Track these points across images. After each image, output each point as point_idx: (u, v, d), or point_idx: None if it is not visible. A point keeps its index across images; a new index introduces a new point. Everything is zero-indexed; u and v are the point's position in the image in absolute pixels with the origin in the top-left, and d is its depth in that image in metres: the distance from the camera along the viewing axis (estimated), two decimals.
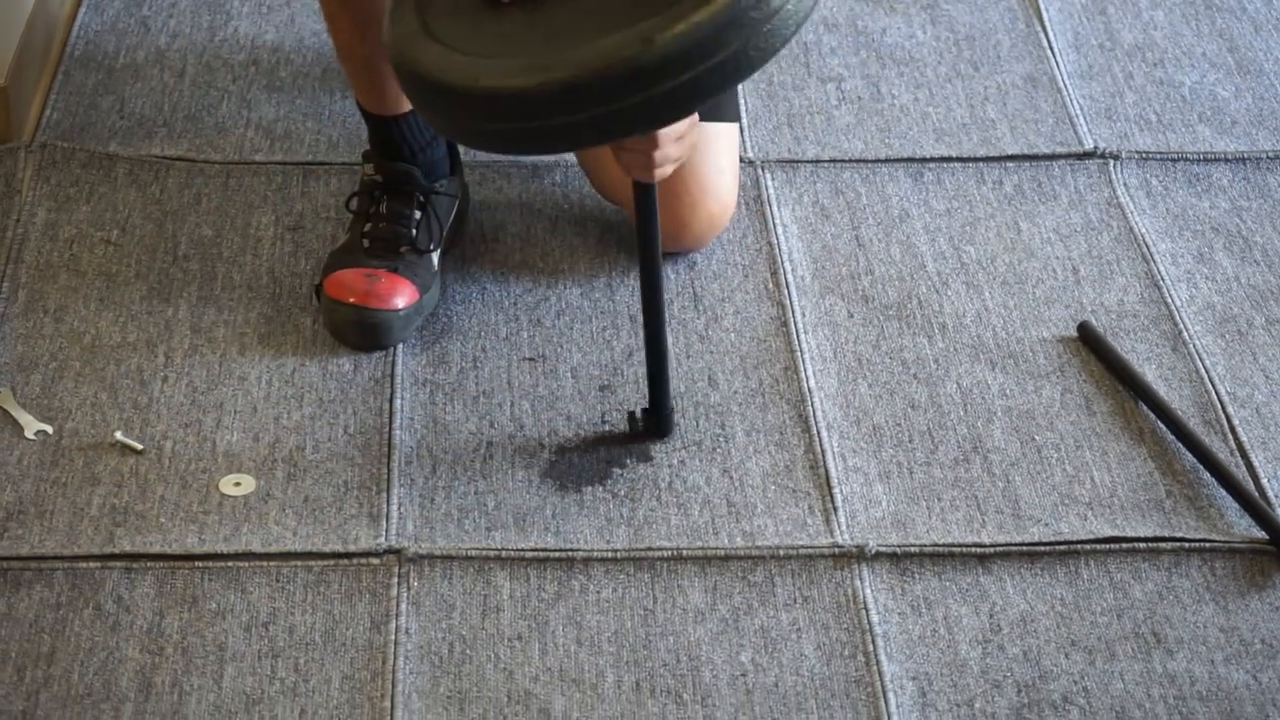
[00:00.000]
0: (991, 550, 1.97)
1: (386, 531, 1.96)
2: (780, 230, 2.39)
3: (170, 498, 1.99)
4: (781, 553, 1.95)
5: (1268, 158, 2.55)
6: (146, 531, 1.95)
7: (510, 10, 1.85)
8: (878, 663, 1.85)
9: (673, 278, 2.30)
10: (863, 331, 2.25)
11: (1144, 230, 2.41)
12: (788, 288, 2.30)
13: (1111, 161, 2.53)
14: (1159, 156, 2.54)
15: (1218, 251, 2.39)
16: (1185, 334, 2.25)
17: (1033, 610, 1.91)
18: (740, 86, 2.51)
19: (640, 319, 2.09)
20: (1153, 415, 2.14)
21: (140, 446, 2.04)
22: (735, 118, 2.38)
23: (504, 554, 1.94)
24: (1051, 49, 2.76)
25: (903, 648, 1.87)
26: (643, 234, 2.02)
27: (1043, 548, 1.97)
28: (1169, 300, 2.30)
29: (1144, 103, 2.65)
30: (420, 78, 1.85)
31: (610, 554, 1.94)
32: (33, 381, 2.12)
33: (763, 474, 2.05)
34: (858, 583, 1.93)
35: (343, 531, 1.96)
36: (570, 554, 1.94)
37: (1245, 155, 2.55)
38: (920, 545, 1.97)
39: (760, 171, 2.49)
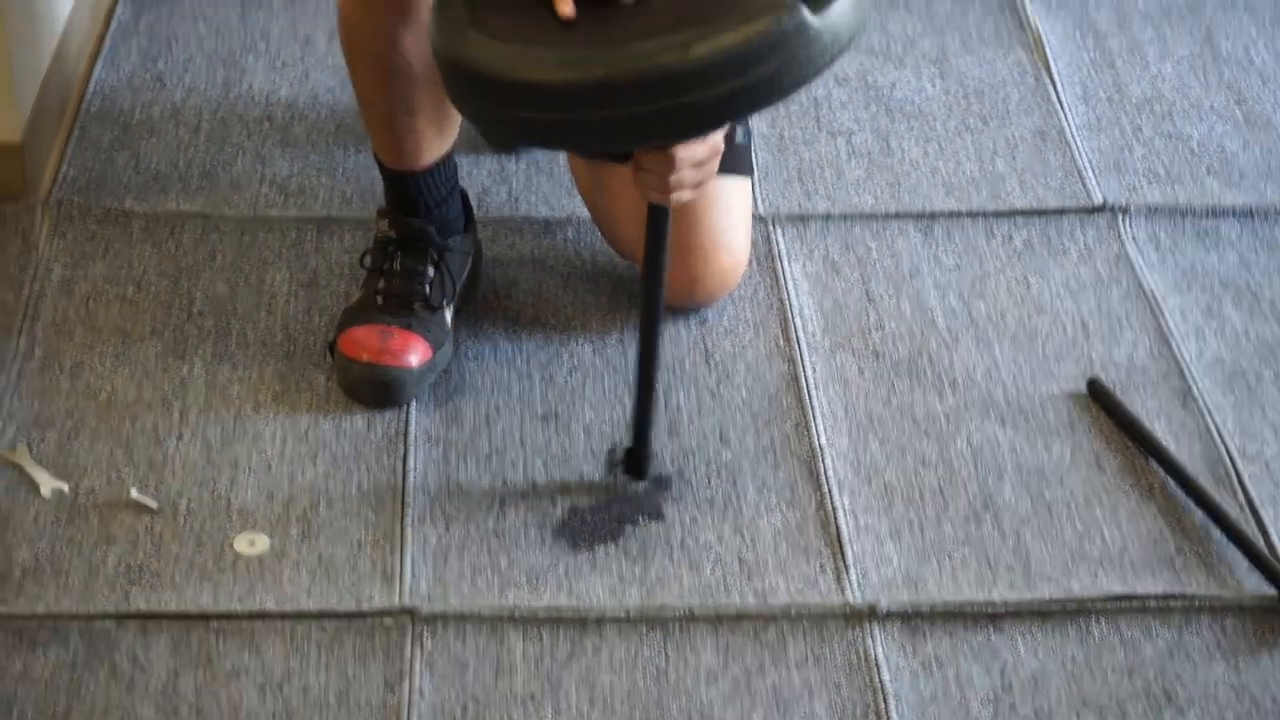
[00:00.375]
0: (1003, 609, 1.97)
1: (400, 591, 1.97)
2: (791, 286, 2.40)
3: (185, 556, 2.00)
4: (793, 612, 1.96)
5: (1275, 211, 2.55)
6: (161, 590, 1.96)
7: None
8: None
9: (684, 334, 2.31)
10: (873, 388, 2.25)
11: (1153, 285, 2.42)
12: (799, 344, 2.31)
13: (1120, 215, 2.53)
14: (1167, 210, 2.55)
15: (1226, 306, 2.40)
16: (1194, 389, 2.26)
17: (1044, 669, 1.92)
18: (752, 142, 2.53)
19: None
20: (1162, 471, 2.14)
21: (155, 505, 2.05)
22: (749, 171, 2.39)
23: (517, 614, 1.95)
24: (1060, 102, 2.77)
25: (914, 707, 1.88)
26: (650, 259, 2.03)
27: (1054, 606, 1.98)
28: (1178, 355, 2.31)
29: (1152, 156, 2.66)
30: (459, 63, 1.86)
31: (623, 614, 1.95)
32: (49, 439, 2.14)
33: (774, 532, 2.06)
34: (869, 641, 1.94)
35: (356, 590, 1.97)
36: (583, 614, 1.95)
37: (1253, 208, 2.56)
38: (931, 604, 1.97)
39: (771, 227, 2.50)
